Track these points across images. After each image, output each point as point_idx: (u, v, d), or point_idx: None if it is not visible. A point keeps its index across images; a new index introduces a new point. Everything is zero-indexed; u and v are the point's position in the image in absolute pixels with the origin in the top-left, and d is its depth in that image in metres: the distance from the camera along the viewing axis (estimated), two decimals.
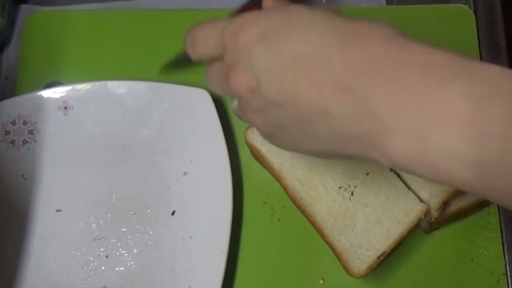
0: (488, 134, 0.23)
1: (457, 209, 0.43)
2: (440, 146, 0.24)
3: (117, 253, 0.43)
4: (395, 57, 0.25)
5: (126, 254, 0.43)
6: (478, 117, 0.23)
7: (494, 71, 0.24)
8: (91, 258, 0.43)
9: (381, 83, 0.25)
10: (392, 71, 0.25)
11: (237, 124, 0.47)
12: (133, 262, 0.43)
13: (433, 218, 0.42)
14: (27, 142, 0.45)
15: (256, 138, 0.44)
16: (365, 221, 0.41)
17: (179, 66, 0.41)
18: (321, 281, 0.44)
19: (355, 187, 0.42)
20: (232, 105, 0.33)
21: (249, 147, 0.44)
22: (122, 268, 0.43)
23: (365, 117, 0.25)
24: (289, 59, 0.27)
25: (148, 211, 0.44)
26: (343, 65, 0.26)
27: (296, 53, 0.27)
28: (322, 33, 0.27)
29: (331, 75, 0.26)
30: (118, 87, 0.45)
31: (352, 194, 0.42)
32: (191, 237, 0.43)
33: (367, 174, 0.42)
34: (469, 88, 0.24)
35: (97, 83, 0.45)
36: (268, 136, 0.32)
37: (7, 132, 0.45)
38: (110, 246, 0.44)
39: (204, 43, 0.31)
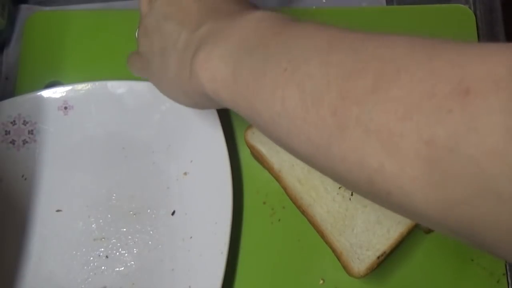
0: None
1: None
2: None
3: (117, 253, 0.43)
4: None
5: (126, 254, 0.43)
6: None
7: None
8: (91, 258, 0.43)
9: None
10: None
11: (237, 124, 0.47)
12: (133, 262, 0.43)
13: None
14: (27, 142, 0.45)
15: (256, 138, 0.44)
16: (365, 221, 0.41)
17: None
18: (321, 281, 0.44)
19: None
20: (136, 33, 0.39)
21: (249, 147, 0.44)
22: (122, 268, 0.43)
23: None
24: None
25: (148, 211, 0.44)
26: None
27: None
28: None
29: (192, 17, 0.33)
30: (118, 87, 0.45)
31: (352, 194, 0.42)
32: (191, 237, 0.43)
33: None
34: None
35: (97, 83, 0.45)
36: (149, 64, 0.36)
37: (7, 132, 0.45)
38: (110, 246, 0.44)
39: None
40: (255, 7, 0.33)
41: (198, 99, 0.33)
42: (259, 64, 0.27)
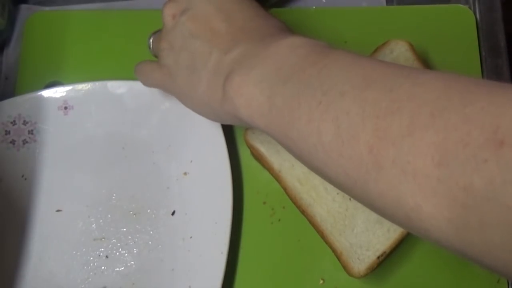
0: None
1: None
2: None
3: (117, 253, 0.43)
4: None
5: (126, 254, 0.43)
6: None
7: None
8: (91, 258, 0.43)
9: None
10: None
11: None
12: (133, 262, 0.43)
13: None
14: (27, 142, 0.45)
15: (256, 138, 0.44)
16: (365, 221, 0.41)
17: None
18: (321, 281, 0.44)
19: None
20: (150, 42, 0.41)
21: (249, 147, 0.44)
22: (122, 268, 0.43)
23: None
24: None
25: (148, 211, 0.44)
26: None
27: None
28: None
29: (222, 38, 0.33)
30: (118, 87, 0.45)
31: None
32: (191, 237, 0.43)
33: None
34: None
35: (97, 83, 0.45)
36: (172, 78, 0.36)
37: (7, 132, 0.45)
38: (110, 246, 0.44)
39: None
40: (286, 29, 0.33)
41: (226, 118, 0.33)
42: (294, 94, 0.27)
